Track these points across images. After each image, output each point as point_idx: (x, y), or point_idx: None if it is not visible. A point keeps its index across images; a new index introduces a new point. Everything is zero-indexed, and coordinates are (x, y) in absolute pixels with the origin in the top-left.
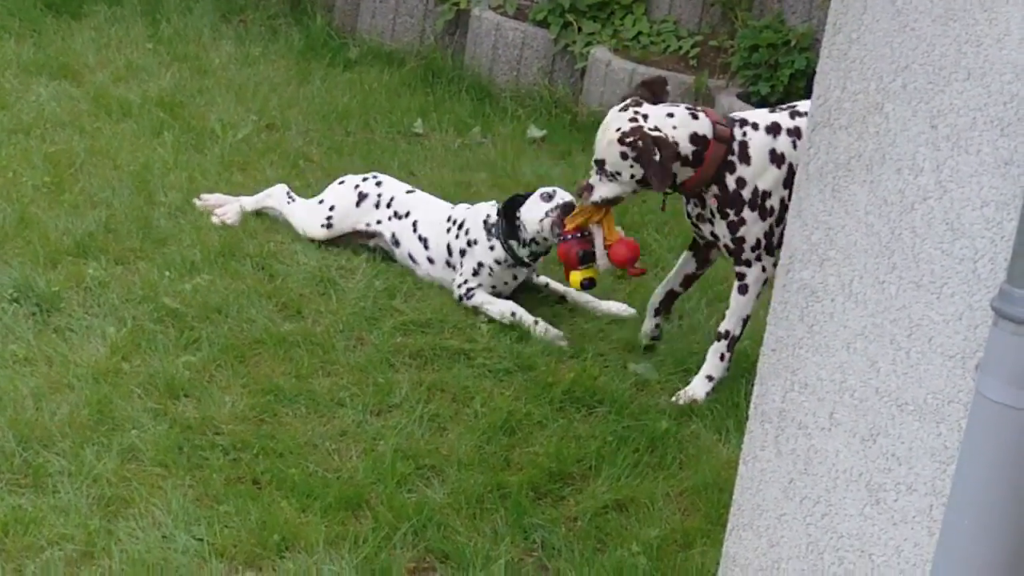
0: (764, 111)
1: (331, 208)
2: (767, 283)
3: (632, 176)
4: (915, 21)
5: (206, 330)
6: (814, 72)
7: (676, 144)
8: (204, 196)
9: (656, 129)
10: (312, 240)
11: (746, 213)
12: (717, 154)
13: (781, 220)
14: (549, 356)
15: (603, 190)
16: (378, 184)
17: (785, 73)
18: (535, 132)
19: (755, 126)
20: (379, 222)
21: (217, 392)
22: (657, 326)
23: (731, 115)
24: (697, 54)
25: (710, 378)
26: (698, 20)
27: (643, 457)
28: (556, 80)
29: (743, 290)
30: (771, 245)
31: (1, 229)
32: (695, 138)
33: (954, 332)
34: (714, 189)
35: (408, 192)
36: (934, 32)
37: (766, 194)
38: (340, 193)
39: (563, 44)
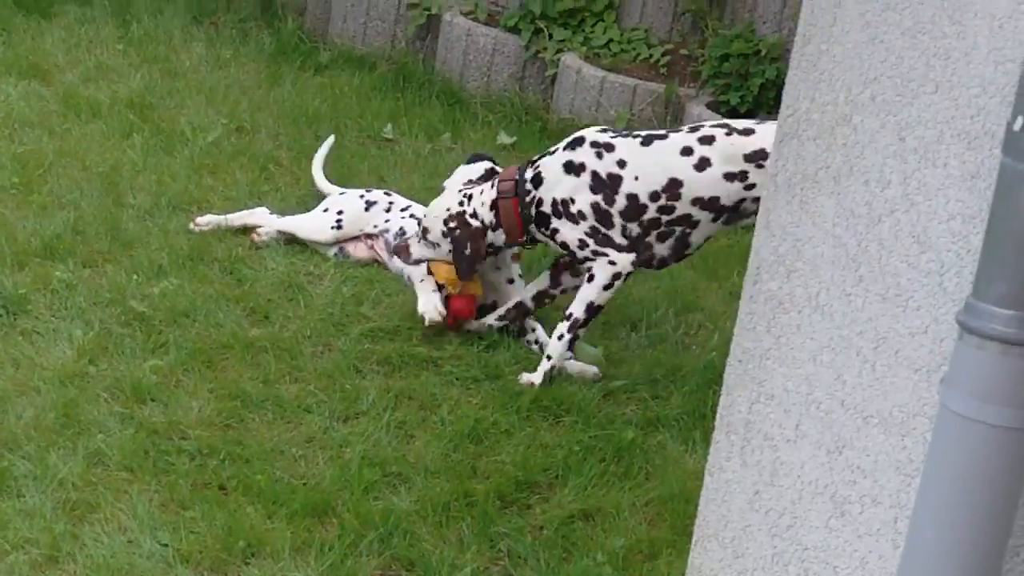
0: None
1: (339, 212)
2: (625, 278)
3: (448, 251)
4: (884, 33)
5: (174, 334)
6: (784, 83)
7: (482, 225)
8: (199, 220)
9: (474, 215)
10: (320, 244)
11: (554, 223)
12: (507, 209)
13: (609, 223)
14: (516, 365)
15: (419, 252)
16: (386, 193)
17: (755, 83)
18: (505, 139)
19: (552, 153)
20: (388, 221)
21: (184, 397)
22: (491, 325)
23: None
24: (667, 63)
25: (549, 358)
26: (669, 28)
27: (609, 467)
28: (527, 87)
29: (590, 279)
30: (610, 241)
31: None
32: (492, 204)
33: (920, 345)
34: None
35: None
36: (903, 45)
37: (566, 202)
38: (347, 200)
39: (534, 51)
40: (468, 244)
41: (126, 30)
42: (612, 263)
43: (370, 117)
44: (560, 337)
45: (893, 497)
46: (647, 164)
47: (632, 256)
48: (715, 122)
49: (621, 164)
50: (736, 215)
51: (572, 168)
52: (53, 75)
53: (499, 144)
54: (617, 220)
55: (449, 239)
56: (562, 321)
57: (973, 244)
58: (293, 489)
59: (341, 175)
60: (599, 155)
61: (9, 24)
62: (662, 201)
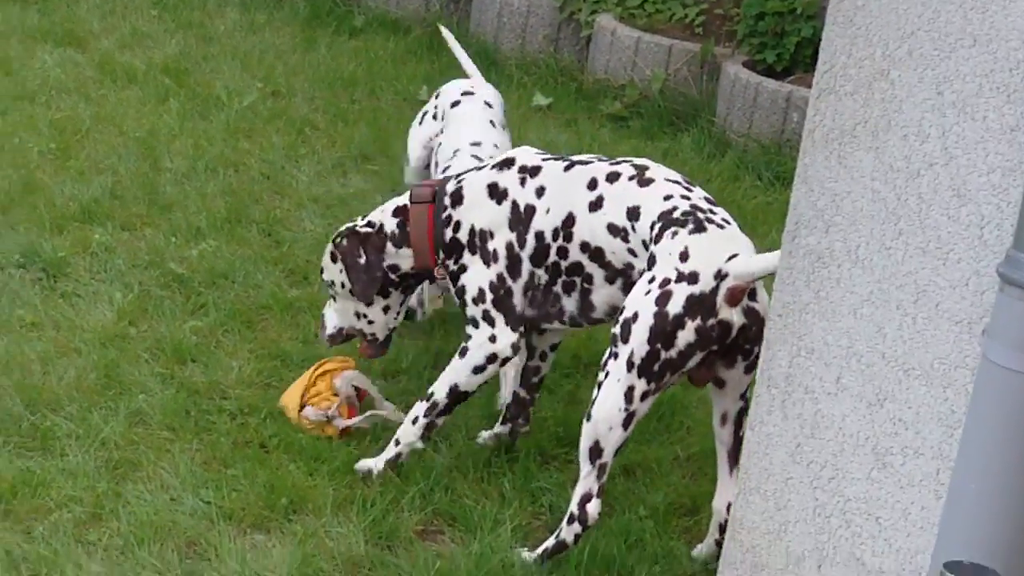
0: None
1: None
2: (501, 363)
3: (343, 285)
4: None
5: (213, 295)
6: (820, 40)
7: (378, 231)
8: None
9: (368, 224)
10: None
11: (466, 257)
12: (419, 215)
13: (516, 272)
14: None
15: (329, 319)
16: None
17: (791, 41)
18: (541, 100)
19: (480, 169)
20: None
21: (224, 357)
22: (499, 434)
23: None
24: (703, 22)
25: (397, 443)
26: None
27: (650, 423)
28: (561, 48)
29: (462, 353)
30: (506, 305)
31: (7, 195)
32: (397, 211)
33: (960, 298)
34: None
35: None
36: None
37: (484, 234)
38: None
39: (568, 12)
40: (358, 251)
41: None
42: (492, 340)
43: (405, 80)
44: (414, 421)
45: (935, 448)
46: (558, 193)
47: (515, 337)
48: (644, 162)
49: (539, 192)
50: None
51: (495, 193)
52: (89, 42)
53: (535, 106)
54: (525, 268)
55: (339, 262)
56: (420, 400)
57: (1013, 196)
58: (334, 446)
59: (376, 138)
60: (523, 181)
61: None
62: (560, 240)
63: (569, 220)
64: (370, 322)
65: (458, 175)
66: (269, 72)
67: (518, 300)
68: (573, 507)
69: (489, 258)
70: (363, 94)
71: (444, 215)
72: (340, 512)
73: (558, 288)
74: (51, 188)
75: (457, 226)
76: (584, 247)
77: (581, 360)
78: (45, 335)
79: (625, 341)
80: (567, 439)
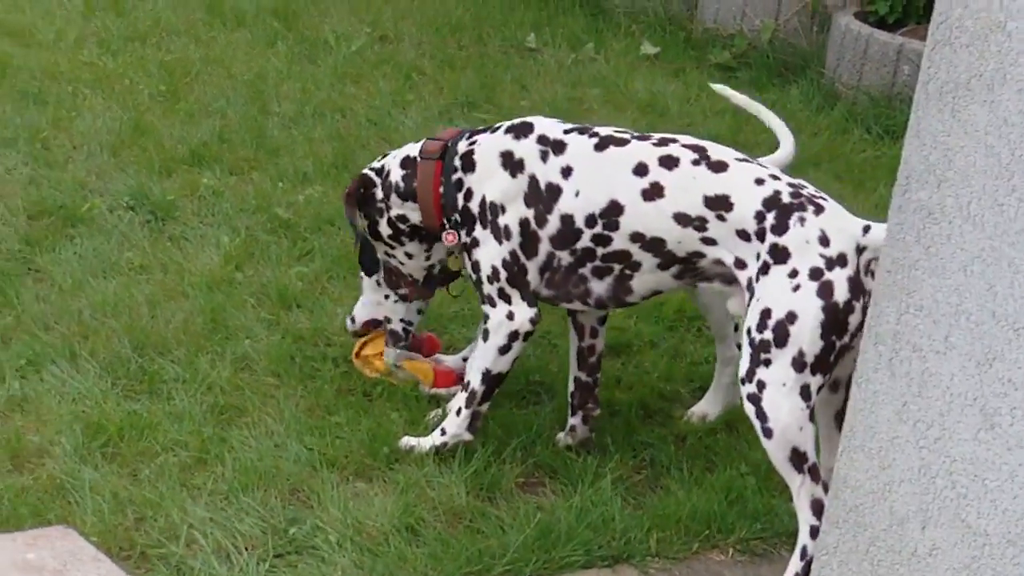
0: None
1: None
2: (525, 338)
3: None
4: None
5: (318, 241)
6: None
7: (382, 176)
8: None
9: (379, 171)
10: None
11: (477, 231)
12: (426, 172)
13: (532, 251)
14: None
15: (358, 312)
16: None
17: None
18: (649, 49)
19: (495, 130)
20: None
21: (329, 304)
22: (575, 426)
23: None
24: None
25: (443, 432)
26: None
27: None
28: None
29: (485, 336)
30: (521, 281)
31: (118, 136)
32: (405, 162)
33: None
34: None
35: None
36: None
37: (496, 207)
38: None
39: None
40: (357, 191)
41: None
42: (510, 317)
43: (513, 27)
44: (458, 412)
45: None
46: (592, 176)
47: (533, 312)
48: (692, 141)
49: (566, 172)
50: (692, 273)
51: (510, 163)
52: None
53: (643, 54)
54: (543, 249)
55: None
56: (460, 391)
57: None
58: (437, 397)
59: (483, 85)
60: (544, 156)
61: None
62: (598, 228)
63: (613, 209)
64: (401, 263)
65: (471, 134)
66: (377, 17)
67: (533, 278)
68: (812, 521)
69: (501, 235)
70: (470, 40)
71: (454, 178)
72: (442, 463)
73: (585, 271)
74: (160, 131)
75: (469, 194)
76: (636, 237)
77: (685, 314)
78: (153, 278)
79: (782, 345)
80: (669, 394)
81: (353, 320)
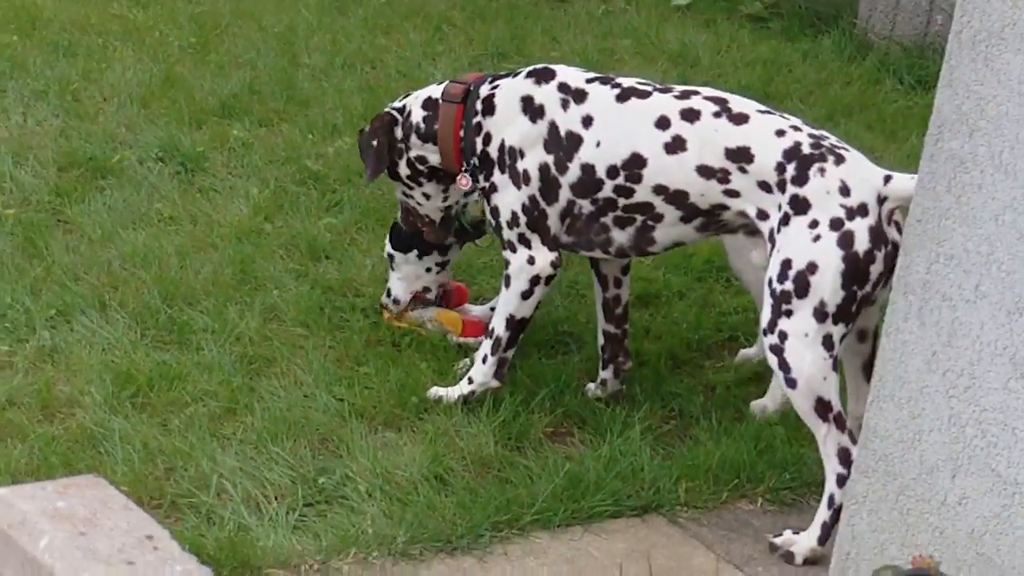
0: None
1: None
2: (546, 282)
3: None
4: None
5: (347, 193)
6: None
7: (404, 118)
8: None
9: (402, 110)
10: None
11: (496, 176)
12: (447, 115)
13: (552, 197)
14: None
15: (395, 287)
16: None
17: None
18: (680, 0)
19: (516, 75)
20: None
21: (358, 255)
22: (606, 379)
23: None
24: None
25: (470, 380)
26: None
27: None
28: None
29: (507, 282)
30: (542, 226)
31: (148, 88)
32: (427, 103)
33: None
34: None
35: None
36: None
37: (515, 152)
38: None
39: None
40: (374, 135)
41: None
42: (531, 262)
43: None
44: (484, 360)
45: None
46: (614, 128)
47: (554, 256)
48: (713, 92)
49: (587, 122)
50: (715, 224)
51: (530, 107)
52: None
53: (674, 5)
54: (564, 195)
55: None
56: (485, 339)
57: None
58: (466, 347)
59: (514, 36)
60: (564, 104)
61: None
62: (620, 179)
63: (636, 161)
64: (419, 203)
65: (493, 79)
66: None
67: (553, 223)
68: (839, 469)
69: (520, 180)
70: None
71: (474, 121)
72: (471, 413)
73: (607, 220)
74: (191, 82)
75: (488, 138)
76: (659, 189)
77: (714, 264)
78: (182, 229)
79: (803, 295)
80: (698, 344)
81: (397, 301)
